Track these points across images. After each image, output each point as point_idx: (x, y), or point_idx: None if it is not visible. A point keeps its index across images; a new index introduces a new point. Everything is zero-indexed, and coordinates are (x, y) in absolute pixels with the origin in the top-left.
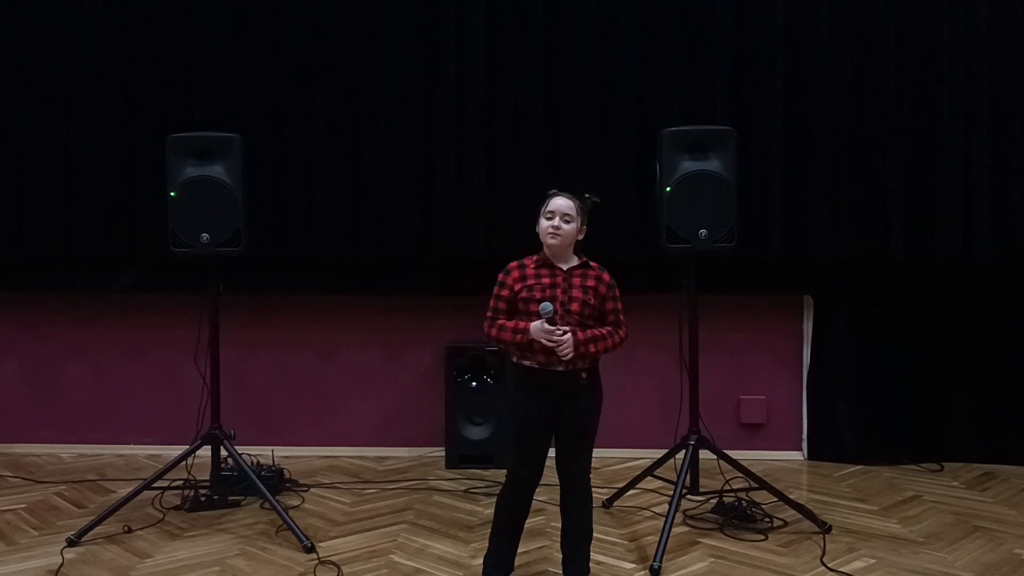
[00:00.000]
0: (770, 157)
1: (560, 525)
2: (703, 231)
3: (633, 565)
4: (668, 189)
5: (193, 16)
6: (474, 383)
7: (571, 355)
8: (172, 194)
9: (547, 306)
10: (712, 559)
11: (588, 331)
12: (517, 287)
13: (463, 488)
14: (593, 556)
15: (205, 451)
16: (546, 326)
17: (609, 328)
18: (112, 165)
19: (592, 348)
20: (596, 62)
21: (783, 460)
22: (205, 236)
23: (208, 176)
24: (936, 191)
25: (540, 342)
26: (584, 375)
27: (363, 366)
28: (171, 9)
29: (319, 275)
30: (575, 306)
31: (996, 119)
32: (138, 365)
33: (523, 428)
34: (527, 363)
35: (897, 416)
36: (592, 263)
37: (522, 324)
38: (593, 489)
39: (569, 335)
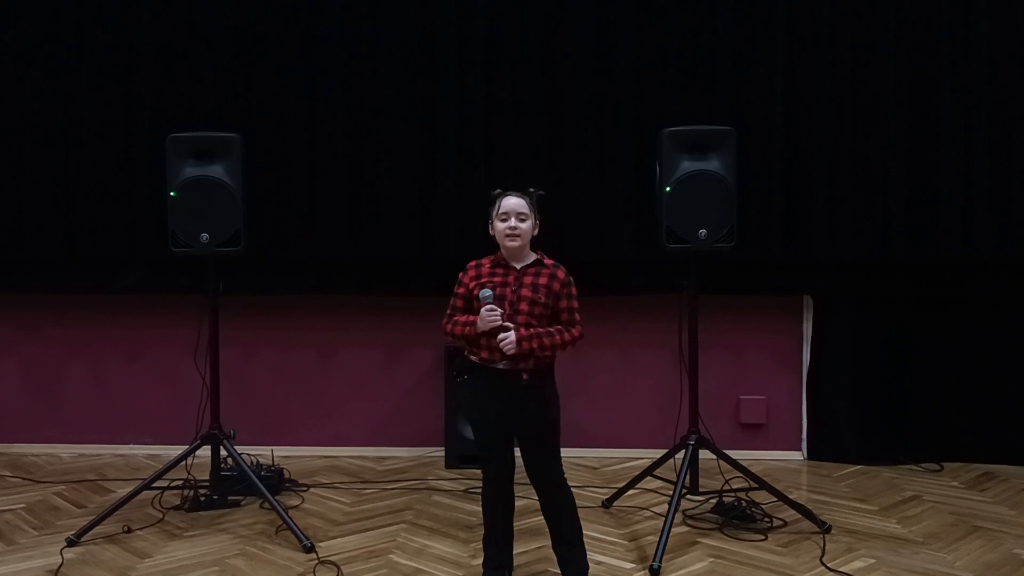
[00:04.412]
0: (770, 157)
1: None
2: (703, 231)
3: (633, 565)
4: (668, 189)
5: (193, 16)
6: (467, 380)
7: (513, 351)
8: (172, 194)
9: (485, 292)
10: (712, 559)
11: (534, 329)
12: (471, 285)
13: (463, 488)
14: (593, 556)
15: (205, 451)
16: (485, 313)
17: (558, 327)
18: (112, 165)
19: (535, 344)
20: (596, 62)
21: (783, 460)
22: (205, 236)
23: (208, 176)
24: (936, 191)
25: (485, 338)
26: (525, 376)
27: (363, 366)
28: (171, 9)
29: (319, 275)
30: (523, 305)
31: (996, 119)
32: (138, 365)
33: (478, 422)
34: (474, 358)
35: (897, 416)
36: (547, 260)
37: (471, 317)
38: (592, 489)
39: (511, 333)
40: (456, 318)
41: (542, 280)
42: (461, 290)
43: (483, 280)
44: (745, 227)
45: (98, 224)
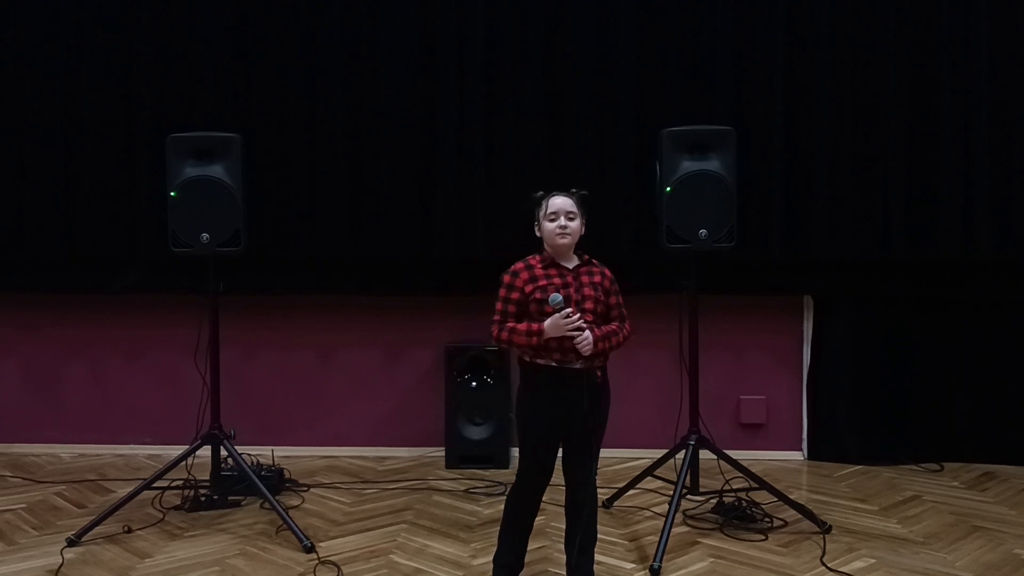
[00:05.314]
0: (770, 157)
1: (564, 526)
2: (703, 231)
3: (633, 565)
4: (668, 189)
5: (193, 16)
6: (474, 383)
7: (591, 351)
8: (172, 194)
9: (557, 297)
10: (712, 559)
11: (602, 328)
12: (528, 288)
13: (463, 488)
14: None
15: (205, 451)
16: (561, 319)
17: (617, 324)
18: (112, 165)
19: (605, 344)
20: (596, 62)
21: (783, 460)
22: (205, 236)
23: (208, 176)
24: (936, 191)
25: (556, 340)
26: (599, 373)
27: (363, 366)
28: (171, 9)
29: (319, 275)
30: (589, 304)
31: (996, 119)
32: (138, 365)
33: (540, 429)
34: (541, 362)
35: (897, 416)
36: (594, 260)
37: (535, 326)
38: None
39: (588, 332)
40: (512, 325)
41: (596, 279)
42: (515, 295)
43: (541, 283)
44: (745, 227)
45: (98, 224)
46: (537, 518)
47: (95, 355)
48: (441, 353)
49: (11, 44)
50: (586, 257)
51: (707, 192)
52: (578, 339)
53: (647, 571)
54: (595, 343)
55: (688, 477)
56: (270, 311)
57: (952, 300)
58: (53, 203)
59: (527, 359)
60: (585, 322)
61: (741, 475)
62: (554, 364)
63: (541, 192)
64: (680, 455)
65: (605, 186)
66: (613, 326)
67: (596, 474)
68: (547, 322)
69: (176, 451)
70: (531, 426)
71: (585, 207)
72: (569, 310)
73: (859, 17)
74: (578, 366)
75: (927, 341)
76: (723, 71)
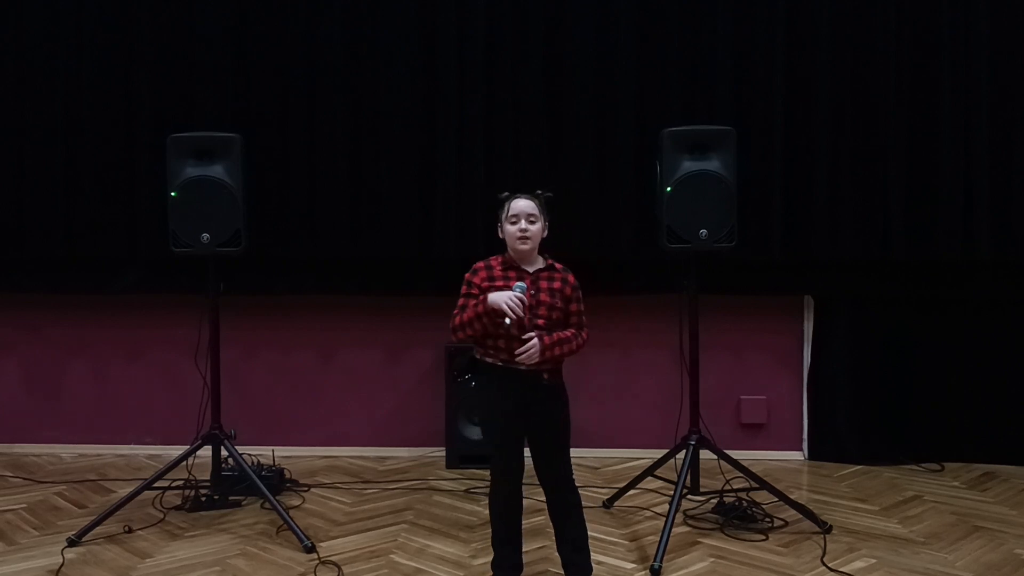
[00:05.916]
0: (770, 157)
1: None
2: (703, 231)
3: (633, 565)
4: (668, 189)
5: (193, 16)
6: (474, 383)
7: (536, 360)
8: (172, 194)
9: (522, 285)
10: (712, 559)
11: (554, 334)
12: (485, 286)
13: (463, 488)
14: (594, 556)
15: (205, 451)
16: (515, 295)
17: (573, 331)
18: (112, 165)
19: (557, 351)
20: (596, 62)
21: (783, 460)
22: (205, 236)
23: (208, 176)
24: (936, 191)
25: (504, 341)
26: (546, 375)
27: (363, 366)
28: (171, 9)
29: (319, 275)
30: (543, 310)
31: (996, 119)
32: (138, 365)
33: (497, 423)
34: (490, 360)
35: (897, 416)
36: (557, 264)
37: (481, 297)
38: (593, 489)
39: (536, 341)
40: (463, 303)
41: (556, 284)
42: (474, 291)
43: (499, 284)
44: (745, 227)
45: (98, 224)
46: (537, 518)
47: (95, 355)
48: (441, 353)
49: (11, 44)
50: (550, 261)
51: (707, 192)
52: (523, 348)
53: (647, 571)
54: (543, 350)
55: (688, 477)
56: (270, 311)
57: (952, 300)
58: (53, 203)
59: (478, 356)
60: (538, 327)
61: (741, 475)
62: (500, 364)
63: (507, 193)
64: (680, 455)
65: (605, 186)
66: (567, 332)
67: (572, 472)
68: (492, 295)
69: (176, 451)
70: (492, 423)
71: (548, 209)
72: (521, 296)
73: (859, 17)
74: (523, 368)
75: (927, 341)
76: (723, 71)
